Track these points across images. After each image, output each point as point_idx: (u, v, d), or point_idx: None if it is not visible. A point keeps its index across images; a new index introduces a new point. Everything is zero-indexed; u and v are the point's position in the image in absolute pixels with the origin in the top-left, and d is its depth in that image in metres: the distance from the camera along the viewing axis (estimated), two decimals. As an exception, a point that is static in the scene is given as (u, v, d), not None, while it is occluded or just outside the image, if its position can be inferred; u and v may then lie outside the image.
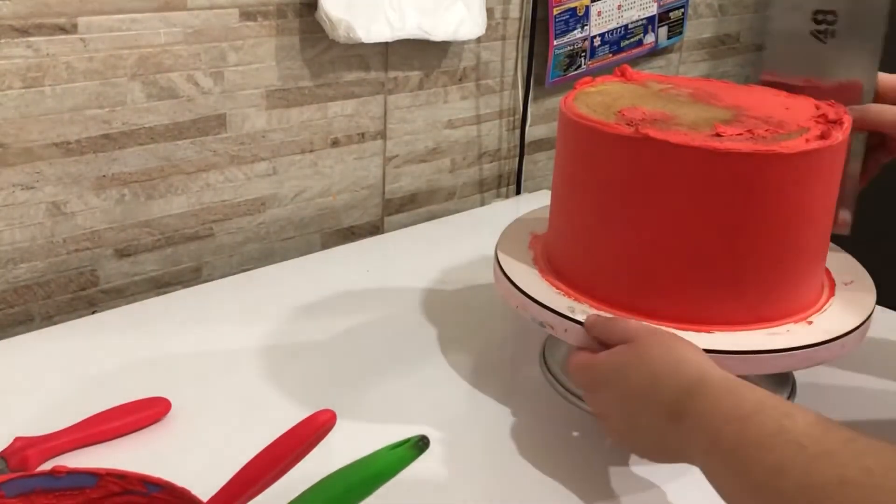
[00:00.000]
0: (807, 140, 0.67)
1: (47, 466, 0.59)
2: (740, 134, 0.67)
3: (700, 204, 0.67)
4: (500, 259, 0.78)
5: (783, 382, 0.80)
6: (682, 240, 0.68)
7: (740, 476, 0.48)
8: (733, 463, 0.49)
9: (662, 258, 0.69)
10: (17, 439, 0.66)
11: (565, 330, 0.69)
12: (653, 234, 0.69)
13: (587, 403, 0.67)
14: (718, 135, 0.67)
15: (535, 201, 1.13)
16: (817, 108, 0.74)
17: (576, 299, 0.72)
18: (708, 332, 0.69)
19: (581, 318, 0.69)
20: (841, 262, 0.80)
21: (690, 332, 0.68)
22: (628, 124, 0.68)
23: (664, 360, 0.59)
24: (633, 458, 0.71)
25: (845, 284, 0.77)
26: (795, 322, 0.71)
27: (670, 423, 0.56)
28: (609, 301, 0.71)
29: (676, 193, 0.67)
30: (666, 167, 0.66)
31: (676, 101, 0.76)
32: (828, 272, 0.78)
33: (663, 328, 0.65)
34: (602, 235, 0.72)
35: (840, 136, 0.68)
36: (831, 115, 0.72)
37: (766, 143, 0.66)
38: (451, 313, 0.91)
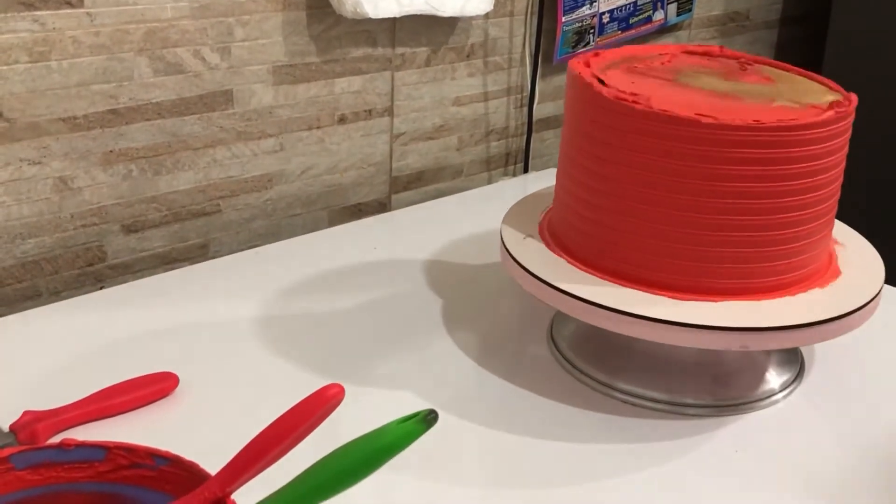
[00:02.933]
0: (819, 112, 0.67)
1: (56, 440, 0.59)
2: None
3: (708, 175, 0.67)
4: (505, 240, 0.78)
5: (791, 360, 0.80)
6: (694, 211, 0.68)
7: None
8: None
9: (680, 231, 0.69)
10: (26, 413, 0.66)
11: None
12: (666, 205, 0.69)
13: None
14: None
15: (543, 180, 1.13)
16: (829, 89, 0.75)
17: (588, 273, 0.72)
18: (750, 300, 0.69)
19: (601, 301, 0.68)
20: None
21: (732, 301, 0.69)
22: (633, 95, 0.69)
23: None
24: (640, 435, 0.71)
25: (841, 247, 0.78)
26: (821, 287, 0.72)
27: None
28: (624, 276, 0.71)
29: (680, 163, 0.67)
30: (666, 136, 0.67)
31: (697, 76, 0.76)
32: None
33: None
34: (614, 209, 0.72)
35: (847, 108, 0.69)
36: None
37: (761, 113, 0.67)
38: (458, 290, 0.91)
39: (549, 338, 0.82)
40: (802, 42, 1.61)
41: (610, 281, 0.71)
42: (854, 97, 0.71)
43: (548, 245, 0.77)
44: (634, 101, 0.68)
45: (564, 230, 0.77)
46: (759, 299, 0.70)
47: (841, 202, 0.75)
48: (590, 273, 0.73)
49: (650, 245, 0.70)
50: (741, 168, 0.67)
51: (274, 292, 0.89)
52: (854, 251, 0.79)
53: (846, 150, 0.72)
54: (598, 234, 0.73)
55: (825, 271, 0.75)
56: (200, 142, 0.97)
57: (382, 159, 1.14)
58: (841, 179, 0.73)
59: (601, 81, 0.72)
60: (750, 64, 0.80)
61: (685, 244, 0.69)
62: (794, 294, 0.71)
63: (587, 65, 0.76)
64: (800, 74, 0.79)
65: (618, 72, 0.76)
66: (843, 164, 0.72)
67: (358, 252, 0.98)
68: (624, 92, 0.69)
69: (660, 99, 0.69)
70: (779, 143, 0.66)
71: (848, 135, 0.72)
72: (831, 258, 0.77)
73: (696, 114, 0.66)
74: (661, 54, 0.82)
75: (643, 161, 0.68)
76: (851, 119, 0.71)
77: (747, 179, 0.67)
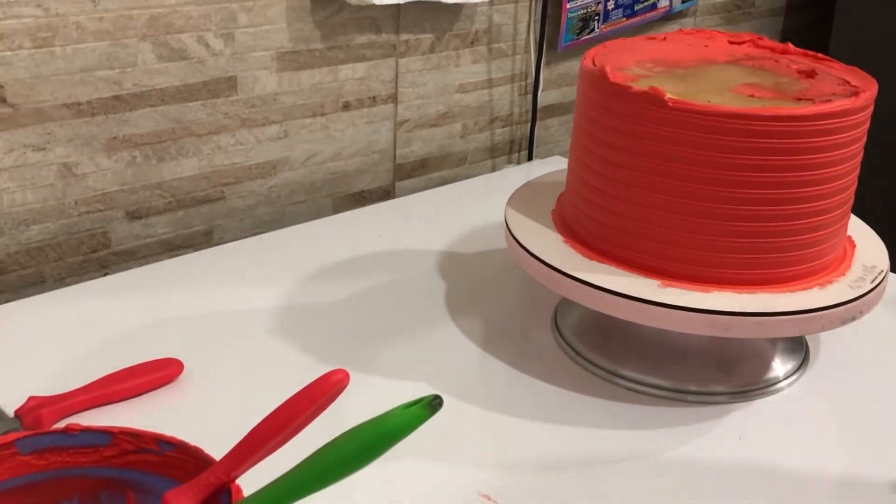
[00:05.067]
0: (829, 101, 0.67)
1: (61, 425, 0.59)
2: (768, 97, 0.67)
3: (728, 166, 0.67)
4: (511, 226, 0.78)
5: (796, 349, 0.80)
6: (716, 203, 0.68)
7: None
8: None
9: (693, 220, 0.69)
10: (31, 398, 0.66)
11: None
12: (682, 195, 0.69)
13: None
14: (752, 96, 0.67)
15: (547, 167, 1.13)
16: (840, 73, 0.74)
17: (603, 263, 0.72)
18: (765, 293, 0.69)
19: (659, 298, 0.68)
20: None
21: (747, 293, 0.68)
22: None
23: None
24: (643, 422, 0.71)
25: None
26: (833, 278, 0.72)
27: None
28: (639, 266, 0.71)
29: (705, 156, 0.67)
30: (692, 131, 0.67)
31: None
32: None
33: None
34: (627, 198, 0.71)
35: (868, 94, 0.69)
36: (854, 81, 0.72)
37: (793, 105, 0.66)
38: (462, 278, 0.91)
39: (554, 325, 0.82)
40: (808, 30, 1.60)
41: (619, 268, 0.71)
42: (873, 83, 0.71)
43: (560, 232, 0.77)
44: (653, 93, 0.68)
45: (577, 218, 0.77)
46: (769, 290, 0.70)
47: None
48: (599, 260, 0.72)
49: (663, 234, 0.70)
50: (759, 158, 0.66)
51: (278, 279, 0.89)
52: (862, 242, 0.78)
53: (864, 139, 0.72)
54: (612, 222, 0.72)
55: (840, 262, 0.75)
56: (204, 128, 0.97)
57: (386, 146, 1.14)
58: (858, 170, 0.73)
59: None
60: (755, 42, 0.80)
61: (698, 234, 0.69)
62: (805, 285, 0.71)
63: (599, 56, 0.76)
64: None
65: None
66: (861, 155, 0.72)
67: (362, 239, 0.98)
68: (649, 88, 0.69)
69: (677, 90, 0.68)
70: (800, 133, 0.66)
71: (867, 124, 0.71)
72: (846, 249, 0.77)
73: (714, 105, 0.66)
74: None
75: (658, 151, 0.68)
76: (871, 108, 0.71)
77: (764, 170, 0.67)
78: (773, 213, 0.68)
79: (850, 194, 0.73)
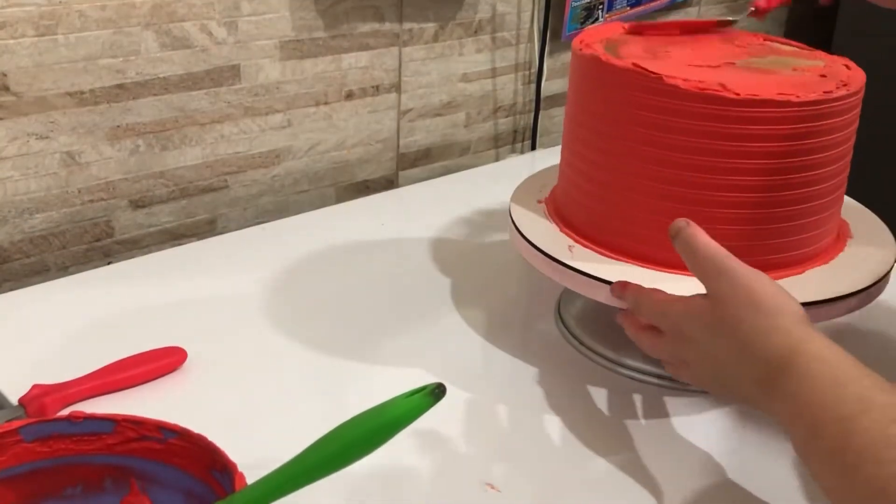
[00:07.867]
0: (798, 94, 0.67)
1: (65, 413, 0.59)
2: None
3: (713, 151, 0.67)
4: (514, 216, 0.78)
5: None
6: (698, 188, 0.68)
7: (846, 480, 0.47)
8: (838, 467, 0.48)
9: (685, 207, 0.69)
10: (34, 387, 0.67)
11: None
12: (670, 181, 0.68)
13: (655, 350, 0.65)
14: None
15: (551, 157, 1.12)
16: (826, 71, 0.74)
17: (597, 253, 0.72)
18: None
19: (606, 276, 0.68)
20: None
21: None
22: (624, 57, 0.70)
23: (753, 327, 0.56)
24: (647, 411, 0.71)
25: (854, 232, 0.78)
26: (827, 264, 0.72)
27: (761, 393, 0.55)
28: (628, 253, 0.71)
29: (687, 138, 0.67)
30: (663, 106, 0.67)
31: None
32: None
33: (743, 276, 0.58)
34: (617, 185, 0.71)
35: (850, 88, 0.68)
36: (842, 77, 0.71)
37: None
38: (465, 267, 0.91)
39: (557, 314, 0.82)
40: (812, 20, 1.60)
41: (614, 258, 0.71)
42: (862, 75, 0.71)
43: (551, 220, 0.77)
44: (643, 73, 0.67)
45: (569, 206, 0.77)
46: (785, 274, 0.70)
47: (852, 179, 0.75)
48: (595, 250, 0.72)
49: (654, 221, 0.70)
50: (749, 144, 0.66)
51: (281, 268, 0.89)
52: (867, 230, 0.78)
53: (856, 125, 0.72)
54: (602, 210, 0.72)
55: (834, 249, 0.75)
56: (208, 117, 0.97)
57: (390, 136, 1.13)
58: (850, 156, 0.73)
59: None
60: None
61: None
62: (800, 272, 0.71)
63: (592, 38, 0.76)
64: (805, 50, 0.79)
65: (622, 46, 0.76)
66: (853, 141, 0.72)
67: (365, 229, 0.98)
68: (633, 64, 0.69)
69: (667, 70, 0.68)
70: (793, 118, 0.66)
71: (857, 111, 0.71)
72: (840, 235, 0.76)
73: (707, 88, 0.65)
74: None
75: (648, 136, 0.68)
76: (861, 95, 0.71)
77: (754, 156, 0.66)
78: (769, 200, 0.68)
79: (845, 178, 0.73)
